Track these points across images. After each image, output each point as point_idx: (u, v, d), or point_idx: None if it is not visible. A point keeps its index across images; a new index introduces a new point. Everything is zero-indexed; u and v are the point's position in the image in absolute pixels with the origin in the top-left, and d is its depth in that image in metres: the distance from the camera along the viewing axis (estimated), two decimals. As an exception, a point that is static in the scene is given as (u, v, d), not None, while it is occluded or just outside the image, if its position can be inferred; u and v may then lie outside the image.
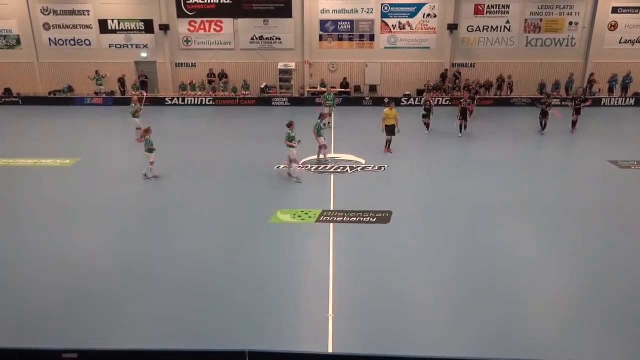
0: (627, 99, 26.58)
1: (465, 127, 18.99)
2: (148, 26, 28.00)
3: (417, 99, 26.96)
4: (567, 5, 26.85)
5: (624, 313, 7.79)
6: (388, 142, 16.81)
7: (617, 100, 26.57)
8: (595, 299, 8.23)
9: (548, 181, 14.41)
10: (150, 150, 14.10)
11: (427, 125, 19.87)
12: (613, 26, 27.14)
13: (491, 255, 9.66)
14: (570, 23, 27.18)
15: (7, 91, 28.29)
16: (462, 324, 7.54)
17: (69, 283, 8.77)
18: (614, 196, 13.10)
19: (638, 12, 26.84)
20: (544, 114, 19.28)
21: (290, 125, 14.09)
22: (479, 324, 7.52)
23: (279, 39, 27.96)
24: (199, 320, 7.64)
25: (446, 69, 27.82)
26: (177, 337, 7.21)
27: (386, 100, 25.82)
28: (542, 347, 7.00)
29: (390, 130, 16.55)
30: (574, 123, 19.56)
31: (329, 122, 20.36)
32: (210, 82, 28.04)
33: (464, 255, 9.70)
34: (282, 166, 15.30)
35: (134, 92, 25.54)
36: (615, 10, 26.84)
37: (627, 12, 26.90)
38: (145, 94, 21.30)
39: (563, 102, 26.17)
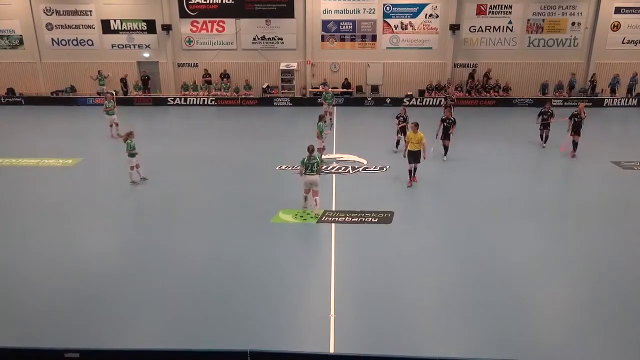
0: (630, 99, 26.52)
1: (447, 149, 16.11)
2: (150, 26, 28.02)
3: (418, 99, 27.00)
4: (570, 6, 26.80)
5: (625, 313, 7.78)
6: (410, 171, 13.64)
7: (620, 101, 26.53)
8: (597, 299, 8.22)
9: (550, 182, 14.40)
10: (132, 154, 13.83)
11: (397, 142, 17.08)
12: (616, 27, 27.08)
13: (493, 256, 9.65)
14: (573, 24, 27.12)
15: (10, 91, 28.36)
16: (464, 325, 7.53)
17: (71, 283, 8.79)
18: (616, 197, 13.06)
19: (641, 13, 26.81)
20: (545, 126, 17.60)
21: (311, 150, 11.64)
22: (480, 324, 7.51)
23: (281, 39, 27.97)
24: (200, 320, 7.64)
25: (474, 69, 27.76)
26: (179, 337, 7.22)
27: (387, 99, 25.40)
28: (543, 347, 6.99)
29: (414, 157, 13.41)
30: (574, 145, 16.50)
31: (330, 120, 20.45)
32: (207, 82, 28.01)
33: (465, 255, 9.69)
34: (283, 166, 15.33)
35: (107, 90, 25.68)
36: (618, 10, 26.79)
37: (630, 13, 26.84)
38: (114, 93, 21.46)
39: (566, 103, 26.22)
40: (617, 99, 26.58)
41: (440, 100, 26.78)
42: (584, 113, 16.30)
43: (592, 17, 26.96)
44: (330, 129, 17.85)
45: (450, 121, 15.80)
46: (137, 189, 13.72)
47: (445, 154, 16.08)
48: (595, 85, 27.14)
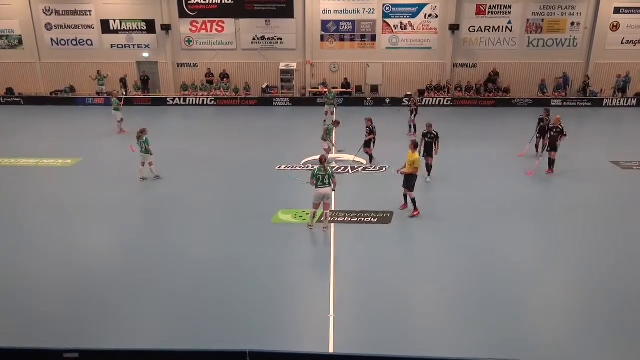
0: (629, 99, 26.56)
1: (430, 168, 14.09)
2: (150, 26, 28.00)
3: (418, 99, 26.96)
4: (569, 6, 26.80)
5: (624, 313, 7.78)
6: (405, 196, 11.88)
7: (619, 101, 26.55)
8: (596, 299, 8.23)
9: (550, 182, 14.39)
10: (146, 151, 13.92)
11: (370, 156, 15.81)
12: (615, 27, 27.09)
13: (492, 256, 9.66)
14: (572, 24, 27.13)
15: (9, 91, 28.34)
16: (463, 325, 7.53)
17: (71, 283, 8.79)
18: (616, 197, 13.08)
19: (640, 13, 26.83)
20: (542, 133, 16.13)
21: (323, 161, 10.84)
22: (479, 324, 7.51)
23: (281, 39, 27.96)
24: (200, 320, 7.64)
25: (494, 69, 27.64)
26: (178, 337, 7.22)
27: (386, 99, 25.15)
28: (543, 347, 6.99)
29: (405, 181, 11.61)
30: (550, 162, 14.69)
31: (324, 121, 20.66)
32: (209, 82, 28.04)
33: (465, 255, 9.69)
34: (283, 166, 15.34)
35: (111, 89, 25.80)
36: (617, 10, 26.80)
37: (630, 13, 26.85)
38: (118, 94, 21.63)
39: (565, 103, 26.25)
40: (617, 99, 26.60)
41: (440, 101, 26.84)
42: (561, 125, 14.42)
43: (591, 17, 26.96)
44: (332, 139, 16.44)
45: (433, 136, 13.78)
46: (136, 190, 13.70)
47: (429, 174, 14.05)
48: (586, 87, 27.11)
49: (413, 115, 19.92)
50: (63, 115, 25.04)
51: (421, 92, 27.57)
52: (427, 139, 13.88)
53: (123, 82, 27.87)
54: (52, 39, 28.39)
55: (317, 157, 15.53)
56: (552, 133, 14.59)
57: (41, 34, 28.32)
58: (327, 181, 10.57)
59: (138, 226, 11.41)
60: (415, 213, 11.58)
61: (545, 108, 17.27)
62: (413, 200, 11.61)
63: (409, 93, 27.37)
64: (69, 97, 28.03)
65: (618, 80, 26.71)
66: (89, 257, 9.80)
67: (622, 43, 27.35)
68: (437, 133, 13.86)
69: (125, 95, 23.67)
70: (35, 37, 28.30)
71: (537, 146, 16.67)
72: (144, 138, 13.91)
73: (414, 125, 19.71)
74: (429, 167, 14.02)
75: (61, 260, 9.61)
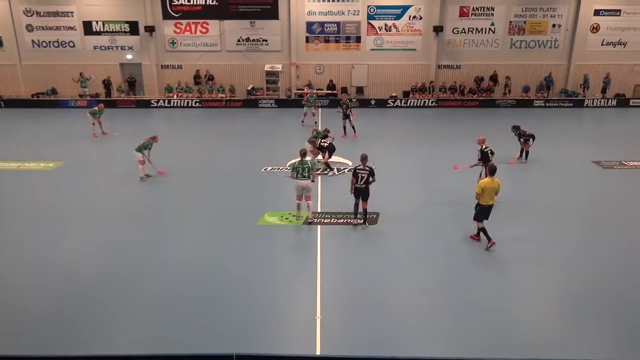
0: (609, 99, 27.04)
1: (365, 213, 11.07)
2: (133, 28, 27.73)
3: (403, 100, 27.15)
4: (551, 8, 27.20)
5: (614, 311, 7.91)
6: (483, 231, 10.02)
7: (600, 102, 27.02)
8: (583, 297, 8.35)
9: (532, 181, 14.58)
10: (139, 148, 14.26)
11: (328, 167, 15.09)
12: (595, 29, 27.56)
13: (479, 256, 9.75)
14: (554, 25, 27.53)
15: (-11, 94, 27.85)
16: (450, 326, 7.59)
17: (56, 289, 8.67)
18: (597, 196, 13.31)
19: (619, 15, 27.29)
20: (525, 142, 16.04)
21: (303, 154, 11.45)
22: (466, 325, 7.58)
23: (266, 40, 27.91)
24: (186, 324, 7.59)
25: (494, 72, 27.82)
26: (164, 342, 7.17)
27: (371, 100, 25.18)
28: (536, 347, 7.07)
29: (488, 212, 9.98)
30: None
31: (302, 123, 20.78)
32: (197, 83, 27.88)
33: (452, 255, 9.77)
34: (269, 168, 15.31)
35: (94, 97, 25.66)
36: (597, 12, 27.25)
37: (609, 15, 27.32)
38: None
39: (547, 104, 26.63)
40: (597, 99, 27.04)
41: (424, 102, 26.99)
42: (484, 147, 12.43)
43: (572, 19, 27.38)
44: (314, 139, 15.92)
45: (367, 172, 10.77)
46: (119, 193, 13.55)
47: (364, 222, 11.08)
48: (506, 86, 27.54)
49: (351, 117, 19.98)
50: (45, 118, 24.66)
51: (405, 94, 27.75)
52: (361, 174, 10.79)
53: (105, 83, 27.56)
54: (33, 41, 27.93)
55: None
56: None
57: (22, 36, 27.84)
58: (307, 174, 11.12)
59: (122, 230, 11.28)
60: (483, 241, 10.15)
61: (513, 125, 16.35)
62: (483, 230, 10.05)
63: (393, 94, 27.53)
64: (51, 100, 27.58)
65: (585, 77, 27.18)
66: (73, 262, 9.67)
67: (602, 44, 27.82)
68: (372, 168, 10.84)
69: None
70: (16, 38, 27.81)
71: (522, 153, 16.39)
72: (151, 144, 14.55)
73: (353, 128, 19.92)
74: (364, 213, 11.08)
75: (45, 266, 9.46)
